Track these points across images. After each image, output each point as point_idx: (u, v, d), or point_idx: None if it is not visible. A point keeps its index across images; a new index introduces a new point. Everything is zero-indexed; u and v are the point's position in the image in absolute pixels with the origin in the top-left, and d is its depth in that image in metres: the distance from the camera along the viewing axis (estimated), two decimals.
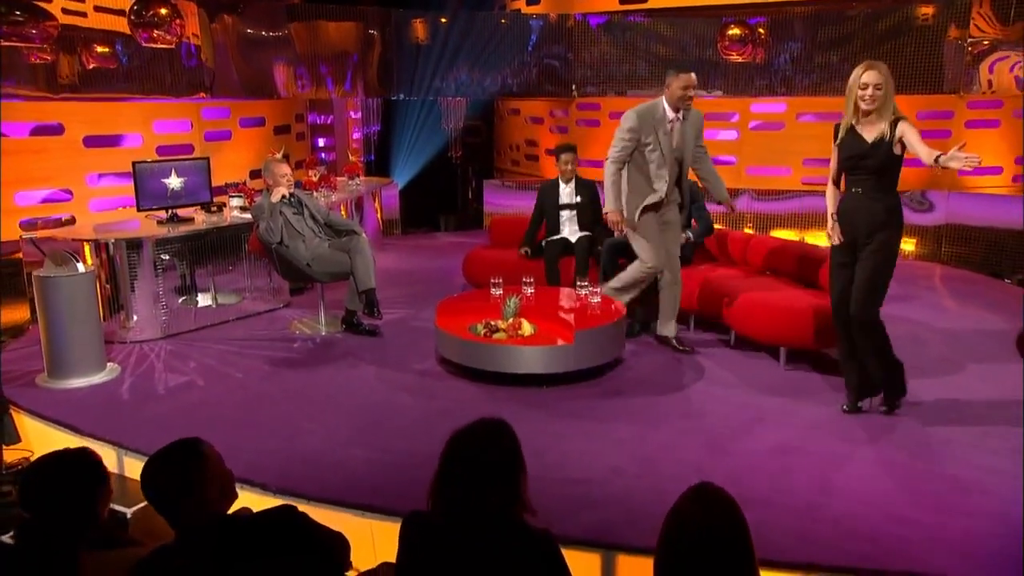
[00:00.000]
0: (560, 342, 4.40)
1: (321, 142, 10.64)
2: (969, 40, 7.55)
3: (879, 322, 3.86)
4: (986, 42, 7.50)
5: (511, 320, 4.50)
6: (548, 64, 9.36)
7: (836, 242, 3.85)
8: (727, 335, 5.17)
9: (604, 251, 5.53)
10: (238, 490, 3.51)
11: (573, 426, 3.96)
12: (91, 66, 6.69)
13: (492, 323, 4.49)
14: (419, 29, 9.12)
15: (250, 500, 3.29)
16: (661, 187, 4.78)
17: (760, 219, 8.52)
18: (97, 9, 6.66)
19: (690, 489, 1.81)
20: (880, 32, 7.94)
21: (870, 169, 3.70)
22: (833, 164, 3.90)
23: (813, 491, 3.32)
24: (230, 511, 2.54)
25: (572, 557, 2.89)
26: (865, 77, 3.62)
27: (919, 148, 3.54)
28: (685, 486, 3.52)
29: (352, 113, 10.75)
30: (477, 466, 1.96)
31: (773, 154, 8.54)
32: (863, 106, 3.66)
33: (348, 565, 2.48)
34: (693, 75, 4.72)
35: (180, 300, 5.51)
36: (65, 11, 6.36)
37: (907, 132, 3.58)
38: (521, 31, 9.35)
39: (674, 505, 1.78)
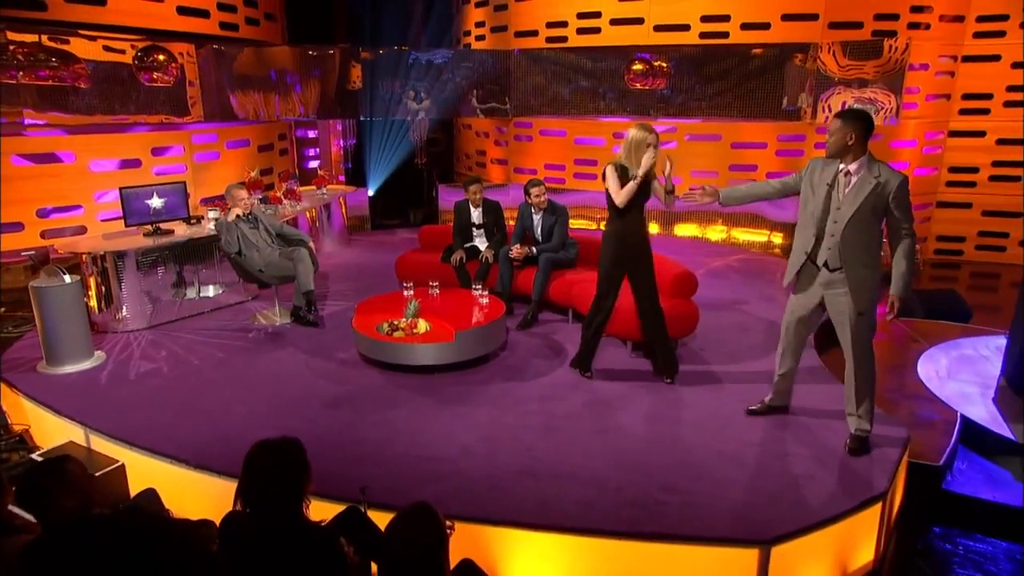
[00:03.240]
0: (444, 340, 4.53)
1: (312, 152, 10.67)
2: (817, 76, 7.57)
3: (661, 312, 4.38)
4: (834, 78, 7.53)
5: (409, 320, 4.63)
6: (490, 89, 9.36)
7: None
8: None
9: (501, 260, 5.64)
10: (170, 465, 3.67)
11: (448, 410, 4.07)
12: (85, 87, 6.65)
13: (394, 323, 4.62)
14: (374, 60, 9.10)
15: (172, 474, 3.47)
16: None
17: (662, 216, 8.88)
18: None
19: (406, 507, 1.94)
20: (752, 69, 7.94)
21: (640, 205, 4.17)
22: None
23: (609, 466, 3.44)
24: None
25: None
26: (648, 139, 4.01)
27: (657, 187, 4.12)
28: (513, 463, 3.66)
29: (338, 125, 10.76)
30: (268, 475, 2.02)
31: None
32: (644, 160, 3.99)
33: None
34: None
35: (170, 294, 5.62)
36: (51, 38, 6.34)
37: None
38: (469, 62, 9.33)
39: (392, 518, 1.92)
